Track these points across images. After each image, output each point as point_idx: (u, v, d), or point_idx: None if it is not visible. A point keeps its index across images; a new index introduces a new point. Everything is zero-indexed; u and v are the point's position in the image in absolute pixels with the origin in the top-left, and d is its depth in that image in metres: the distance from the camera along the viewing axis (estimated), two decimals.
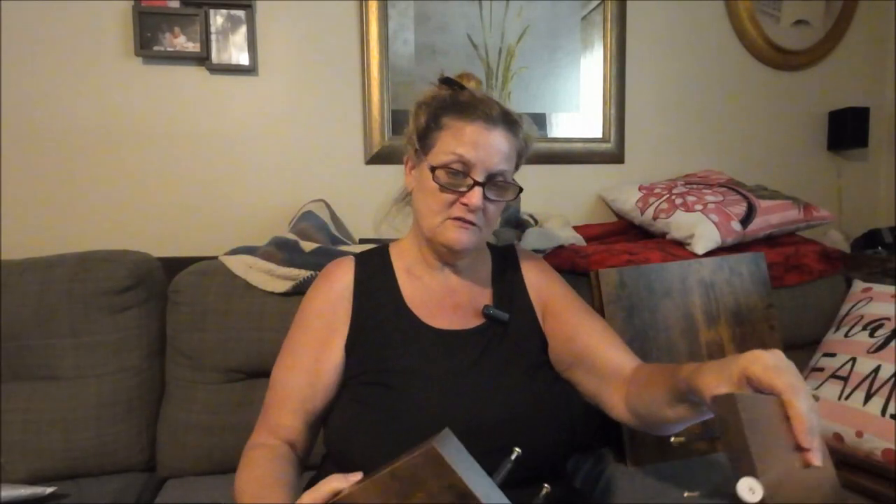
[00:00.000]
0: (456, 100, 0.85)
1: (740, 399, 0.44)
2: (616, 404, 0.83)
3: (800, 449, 0.50)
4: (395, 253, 0.95)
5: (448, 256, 0.89)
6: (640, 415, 0.78)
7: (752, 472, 0.41)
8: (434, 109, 0.85)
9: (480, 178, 0.81)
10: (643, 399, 0.76)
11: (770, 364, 0.55)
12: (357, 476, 0.58)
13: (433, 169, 0.82)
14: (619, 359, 0.85)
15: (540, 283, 0.96)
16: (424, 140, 0.85)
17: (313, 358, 0.86)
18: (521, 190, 0.87)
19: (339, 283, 0.91)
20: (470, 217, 0.82)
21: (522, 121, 0.88)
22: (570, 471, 1.12)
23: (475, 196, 0.81)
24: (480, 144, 0.81)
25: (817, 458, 0.50)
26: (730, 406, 0.44)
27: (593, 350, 0.87)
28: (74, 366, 1.13)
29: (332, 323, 0.88)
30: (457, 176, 0.82)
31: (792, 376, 0.54)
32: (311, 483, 0.87)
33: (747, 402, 0.46)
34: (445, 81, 0.88)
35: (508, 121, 0.84)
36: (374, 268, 0.93)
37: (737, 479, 0.41)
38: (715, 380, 0.58)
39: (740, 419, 0.43)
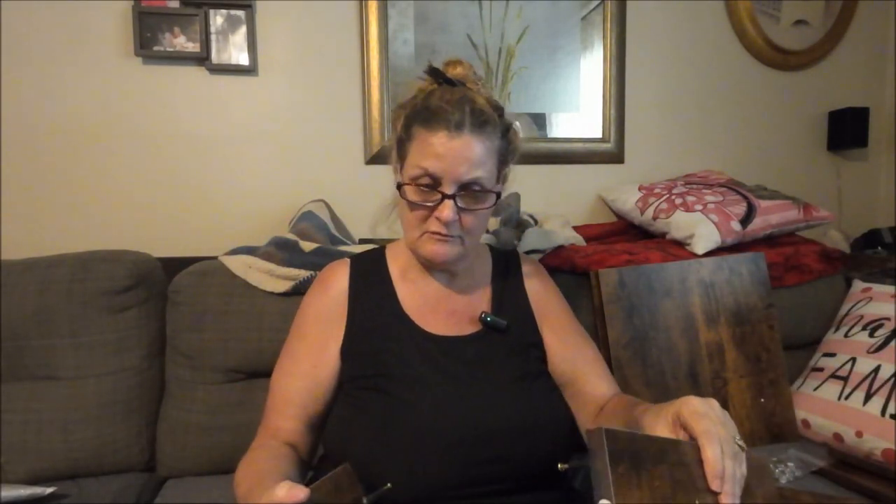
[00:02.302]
0: (426, 105, 0.79)
1: (608, 433, 0.51)
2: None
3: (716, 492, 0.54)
4: (390, 255, 0.94)
5: (433, 267, 0.88)
6: None
7: (608, 496, 0.47)
8: (407, 117, 0.81)
9: (450, 191, 0.77)
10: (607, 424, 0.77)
11: (696, 409, 0.58)
12: (302, 492, 0.56)
13: (400, 186, 0.80)
14: (602, 389, 0.87)
15: (540, 292, 0.95)
16: (400, 150, 0.83)
17: (311, 363, 0.86)
18: (499, 196, 0.83)
19: (333, 287, 0.90)
20: (444, 231, 0.79)
21: (501, 115, 0.82)
22: (570, 472, 1.12)
23: (446, 210, 0.77)
24: (445, 155, 0.76)
25: (730, 501, 0.53)
26: (598, 439, 0.51)
27: (584, 378, 0.88)
28: (74, 366, 1.13)
29: (327, 328, 0.87)
30: (426, 190, 0.78)
31: (711, 423, 0.57)
32: (311, 482, 0.87)
33: (618, 436, 0.52)
34: (431, 73, 0.84)
35: (478, 122, 0.78)
36: (370, 271, 0.92)
37: (597, 501, 0.48)
38: (654, 420, 0.62)
39: (605, 450, 0.50)
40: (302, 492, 0.55)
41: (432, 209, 0.79)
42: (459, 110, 0.77)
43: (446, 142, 0.76)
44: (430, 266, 0.88)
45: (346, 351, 0.86)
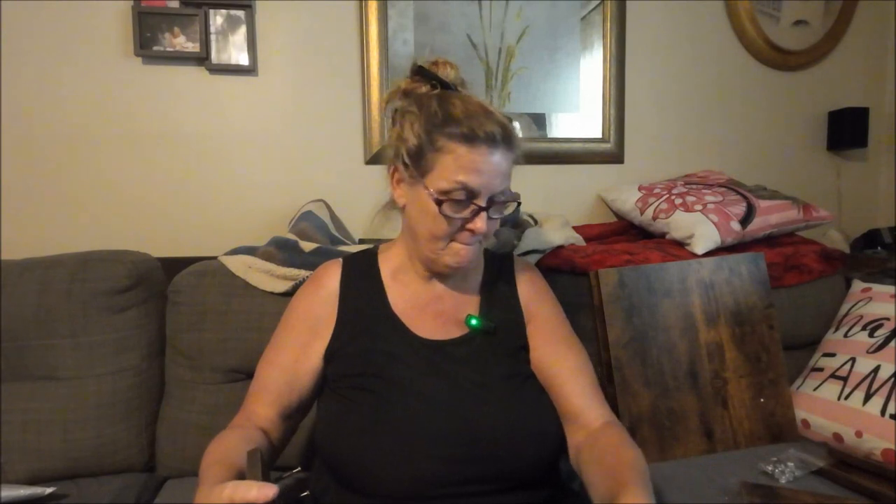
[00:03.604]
0: (448, 115, 0.78)
1: None
2: (568, 444, 0.85)
3: None
4: (382, 257, 0.94)
5: (452, 273, 0.88)
6: (580, 475, 0.80)
7: None
8: (425, 126, 0.79)
9: (484, 203, 0.78)
10: (587, 471, 0.77)
11: None
12: (271, 489, 0.57)
13: (439, 202, 0.78)
14: (581, 405, 0.85)
15: (532, 296, 0.95)
16: (418, 160, 0.80)
17: (293, 358, 0.87)
18: (519, 202, 0.85)
19: (325, 287, 0.91)
20: (473, 240, 0.81)
21: (513, 125, 0.84)
22: (568, 473, 1.12)
23: (481, 222, 0.79)
24: (484, 171, 0.77)
25: None
26: None
27: (559, 388, 0.87)
28: (74, 366, 1.13)
29: (314, 327, 0.88)
30: (459, 204, 0.78)
31: None
32: (306, 484, 0.88)
33: None
34: (418, 72, 0.83)
35: (508, 137, 0.79)
36: (362, 271, 0.92)
37: None
38: None
39: None
40: (272, 490, 0.57)
41: (465, 222, 0.80)
42: (492, 124, 0.78)
43: (487, 157, 0.77)
44: (448, 273, 0.87)
45: (333, 351, 0.87)
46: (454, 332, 0.88)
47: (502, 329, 0.89)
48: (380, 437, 0.77)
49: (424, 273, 0.90)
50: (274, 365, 0.88)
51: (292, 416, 0.88)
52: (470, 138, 0.76)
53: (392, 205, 0.92)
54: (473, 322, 0.87)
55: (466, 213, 0.79)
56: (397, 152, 0.83)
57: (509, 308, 0.93)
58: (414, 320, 0.88)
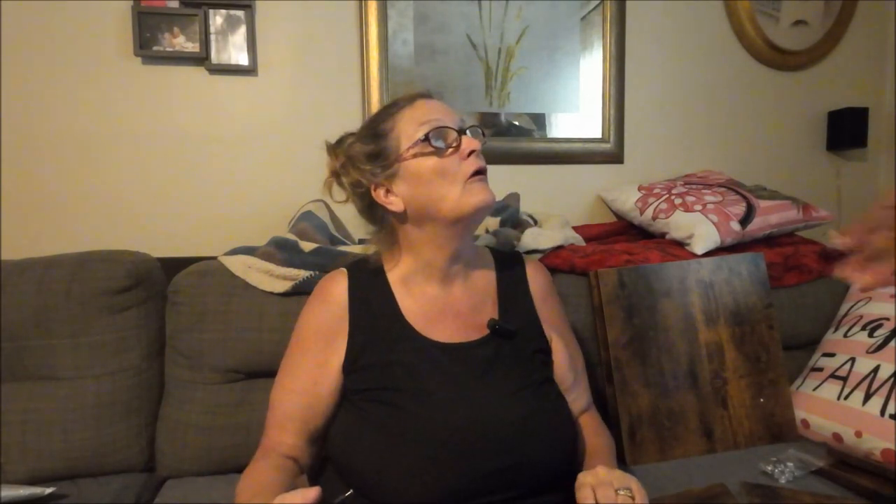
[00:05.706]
0: (379, 111, 0.89)
1: None
2: None
3: None
4: (388, 263, 0.91)
5: (474, 221, 0.87)
6: None
7: None
8: (365, 136, 0.88)
9: (457, 128, 0.84)
10: None
11: (581, 482, 0.70)
12: (314, 491, 0.60)
13: (425, 138, 0.82)
14: (581, 403, 0.95)
15: (543, 296, 0.95)
16: (383, 154, 0.85)
17: (312, 380, 0.85)
18: (485, 135, 0.92)
19: (333, 300, 0.88)
20: (480, 164, 0.83)
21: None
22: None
23: (471, 139, 0.83)
24: (437, 110, 0.84)
25: None
26: None
27: (572, 390, 0.92)
28: (73, 366, 1.13)
29: (329, 343, 0.86)
30: (440, 136, 0.83)
31: (588, 491, 0.68)
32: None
33: None
34: (333, 146, 0.93)
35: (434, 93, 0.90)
36: (369, 280, 0.90)
37: None
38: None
39: None
40: (313, 491, 0.59)
41: (456, 150, 0.82)
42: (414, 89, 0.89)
43: (426, 102, 0.86)
44: (478, 215, 0.85)
45: (349, 366, 0.84)
46: (472, 335, 0.86)
47: (520, 331, 0.89)
48: (402, 450, 0.76)
49: (438, 276, 0.88)
50: (293, 392, 0.85)
51: (319, 439, 0.87)
52: (408, 100, 0.86)
53: (382, 235, 0.92)
54: (497, 326, 0.86)
55: (454, 139, 0.83)
56: (366, 181, 0.86)
57: (525, 309, 0.92)
58: (428, 326, 0.86)
